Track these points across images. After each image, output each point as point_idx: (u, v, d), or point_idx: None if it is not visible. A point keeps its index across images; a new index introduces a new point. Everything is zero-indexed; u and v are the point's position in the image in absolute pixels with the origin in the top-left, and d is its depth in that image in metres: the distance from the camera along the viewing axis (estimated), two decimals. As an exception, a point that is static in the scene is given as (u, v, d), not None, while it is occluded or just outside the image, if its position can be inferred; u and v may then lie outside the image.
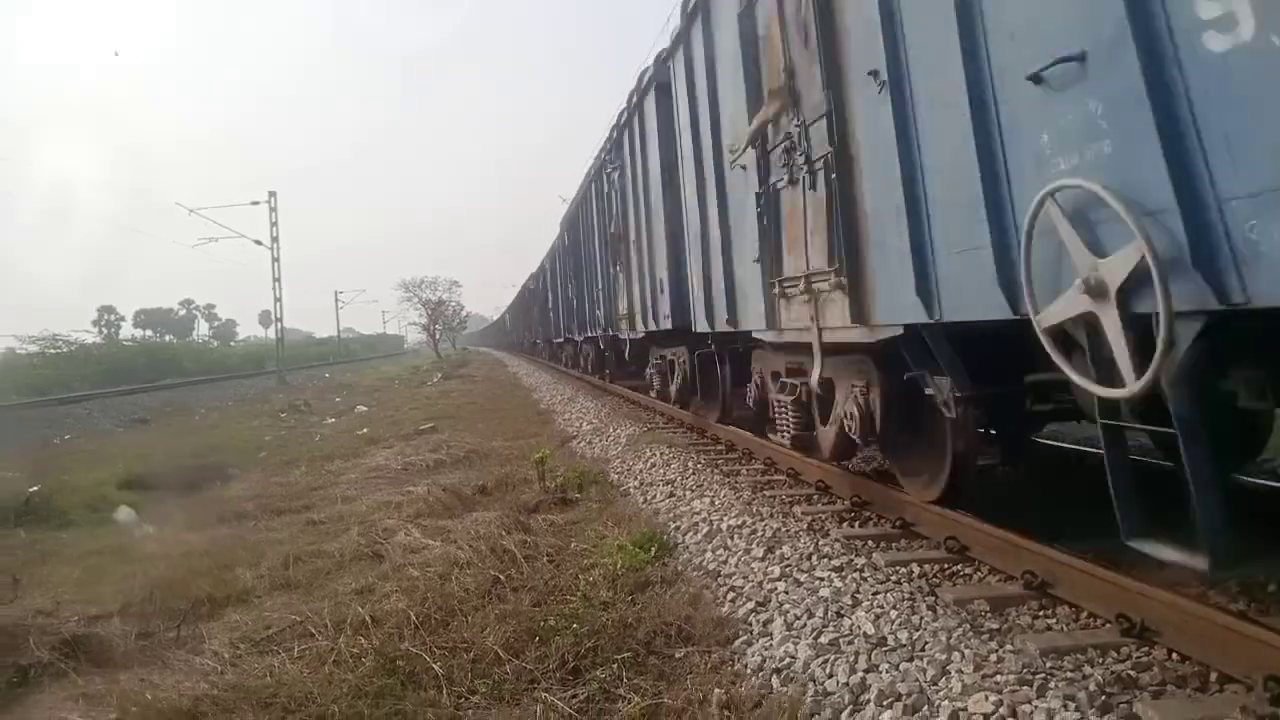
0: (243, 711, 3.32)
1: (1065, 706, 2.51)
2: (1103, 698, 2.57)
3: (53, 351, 44.41)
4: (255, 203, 37.05)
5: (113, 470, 10.99)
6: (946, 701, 2.69)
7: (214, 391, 33.83)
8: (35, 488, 8.94)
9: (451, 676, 3.45)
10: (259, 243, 36.72)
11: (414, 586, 4.58)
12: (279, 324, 39.27)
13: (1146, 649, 2.99)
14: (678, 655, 3.52)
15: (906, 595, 3.63)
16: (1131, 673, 2.82)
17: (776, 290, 5.73)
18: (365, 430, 14.69)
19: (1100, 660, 2.94)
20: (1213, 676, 2.73)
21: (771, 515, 5.24)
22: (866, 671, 3.01)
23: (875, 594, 3.67)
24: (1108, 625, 3.19)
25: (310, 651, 3.87)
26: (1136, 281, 2.62)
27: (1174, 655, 2.91)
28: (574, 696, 3.21)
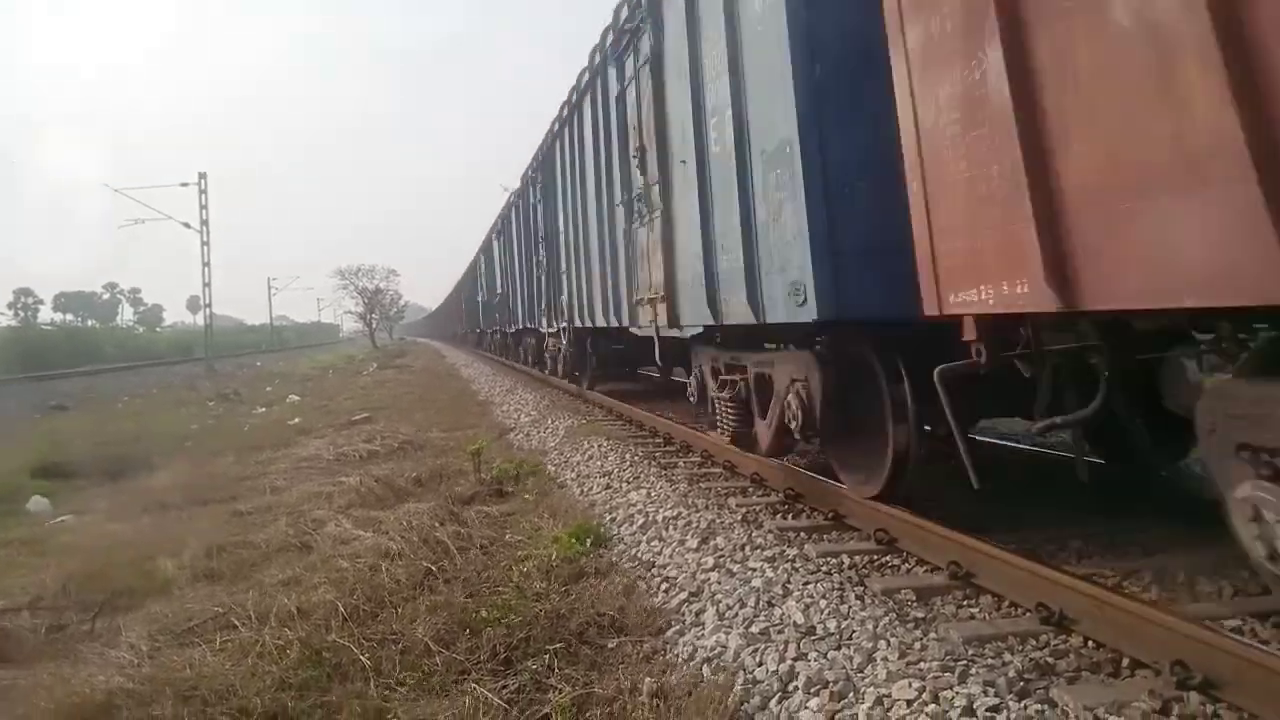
0: (161, 704, 3.19)
1: (985, 692, 2.58)
2: (1021, 683, 2.66)
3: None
4: (185, 184, 35.87)
5: (27, 457, 10.55)
6: (872, 688, 2.74)
7: (139, 378, 32.71)
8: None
9: (379, 668, 3.38)
10: (188, 225, 35.60)
11: (343, 578, 4.49)
12: (208, 309, 38.15)
13: (1064, 636, 3.09)
14: (610, 645, 3.51)
15: (836, 585, 3.69)
16: (1049, 659, 2.91)
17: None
18: (297, 420, 14.34)
19: (1020, 648, 3.03)
20: (1125, 662, 2.83)
21: (707, 507, 5.27)
22: (795, 660, 3.05)
23: (806, 584, 3.72)
24: (1028, 614, 3.28)
25: (233, 643, 3.75)
26: None
27: (1089, 642, 3.01)
28: (504, 687, 3.18)
